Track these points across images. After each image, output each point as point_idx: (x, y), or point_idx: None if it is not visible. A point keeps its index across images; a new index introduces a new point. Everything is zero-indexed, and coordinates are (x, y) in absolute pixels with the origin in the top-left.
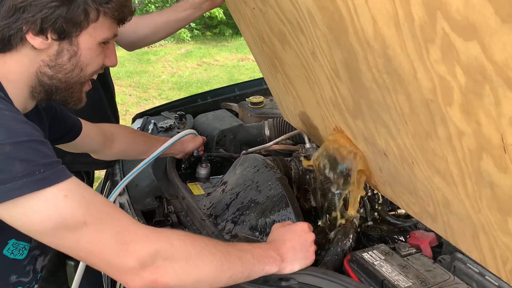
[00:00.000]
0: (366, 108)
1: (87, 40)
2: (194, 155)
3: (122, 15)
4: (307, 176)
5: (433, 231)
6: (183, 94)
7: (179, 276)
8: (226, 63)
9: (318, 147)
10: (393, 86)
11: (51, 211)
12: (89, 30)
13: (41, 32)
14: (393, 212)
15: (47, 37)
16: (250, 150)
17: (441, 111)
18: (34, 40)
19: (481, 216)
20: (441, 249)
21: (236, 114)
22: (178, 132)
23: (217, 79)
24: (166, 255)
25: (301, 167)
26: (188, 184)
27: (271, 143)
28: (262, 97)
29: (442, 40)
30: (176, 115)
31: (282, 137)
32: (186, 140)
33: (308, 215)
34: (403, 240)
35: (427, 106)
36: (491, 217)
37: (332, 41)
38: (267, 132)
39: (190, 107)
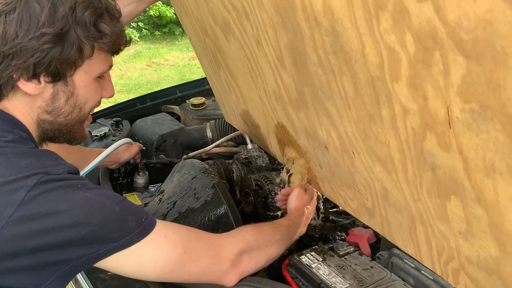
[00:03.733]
0: (309, 97)
1: (83, 78)
2: (131, 163)
3: (117, 47)
4: (250, 179)
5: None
6: (132, 96)
7: (257, 262)
8: (177, 63)
9: (260, 148)
10: (338, 68)
11: (160, 252)
12: (84, 67)
13: (34, 77)
14: (335, 209)
15: (40, 81)
16: (190, 154)
17: (387, 89)
18: (26, 86)
19: (420, 204)
20: (380, 245)
21: (178, 118)
22: (114, 140)
23: (167, 80)
24: (245, 250)
25: (243, 170)
26: (124, 194)
27: (211, 146)
28: (204, 98)
29: (394, 5)
30: (112, 121)
31: (223, 139)
32: (121, 149)
33: (249, 218)
34: (344, 237)
35: (373, 85)
36: (429, 203)
37: (278, 24)
38: (209, 135)
39: (128, 112)
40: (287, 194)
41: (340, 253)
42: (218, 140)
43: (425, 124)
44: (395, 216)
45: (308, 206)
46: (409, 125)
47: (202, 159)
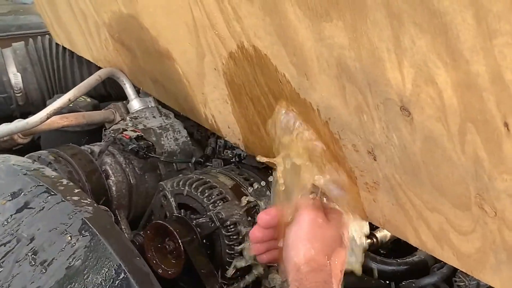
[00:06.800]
0: None
1: None
2: None
3: None
4: (161, 191)
5: None
6: None
7: None
8: None
9: (166, 106)
10: None
11: None
12: None
13: None
14: (370, 241)
15: None
16: None
17: None
18: None
19: None
20: None
21: None
22: None
23: None
24: None
25: (130, 166)
26: None
27: (41, 115)
28: None
29: None
30: None
31: (69, 96)
32: None
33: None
34: None
35: None
36: None
37: None
38: (14, 80)
39: None
40: (274, 225)
41: None
42: (54, 97)
43: None
44: None
45: (336, 258)
46: None
47: (17, 149)
